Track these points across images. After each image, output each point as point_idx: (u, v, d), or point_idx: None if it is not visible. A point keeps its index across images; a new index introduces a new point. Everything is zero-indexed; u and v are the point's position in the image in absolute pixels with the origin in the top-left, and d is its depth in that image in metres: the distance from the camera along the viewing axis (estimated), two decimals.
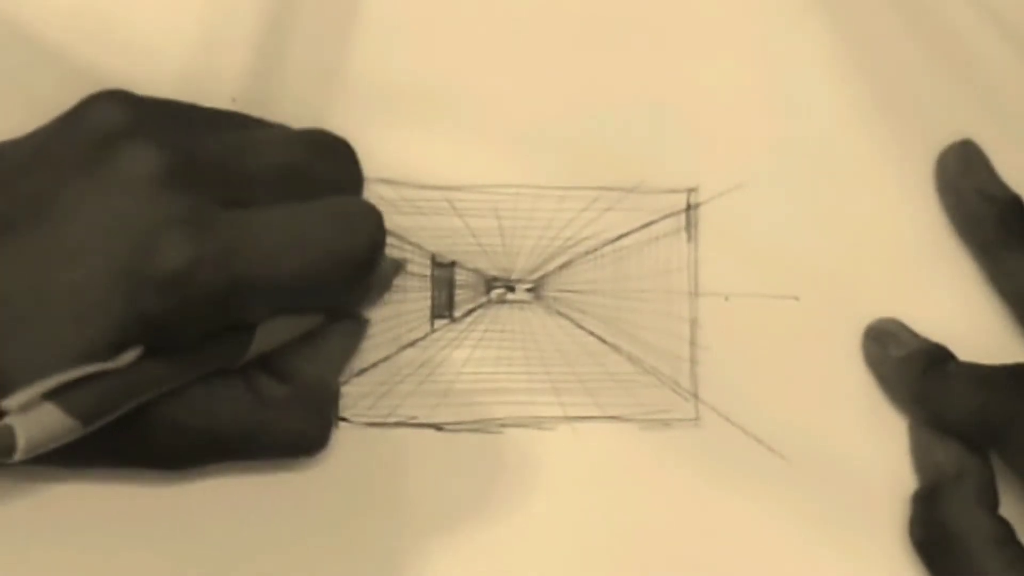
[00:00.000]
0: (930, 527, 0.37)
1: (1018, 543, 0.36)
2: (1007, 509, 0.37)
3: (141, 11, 0.40)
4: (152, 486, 0.36)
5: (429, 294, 0.39)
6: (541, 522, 0.37)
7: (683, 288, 0.40)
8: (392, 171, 0.39)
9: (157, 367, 0.31)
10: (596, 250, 0.40)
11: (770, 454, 0.38)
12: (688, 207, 0.40)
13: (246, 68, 0.40)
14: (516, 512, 0.37)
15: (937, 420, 0.38)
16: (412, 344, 0.39)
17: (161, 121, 0.32)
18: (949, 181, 0.40)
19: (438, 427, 0.38)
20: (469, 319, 0.39)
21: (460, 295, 0.39)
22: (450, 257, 0.39)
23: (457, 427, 0.38)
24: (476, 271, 0.39)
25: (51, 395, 0.30)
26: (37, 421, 0.30)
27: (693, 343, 0.39)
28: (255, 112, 0.37)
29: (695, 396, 0.39)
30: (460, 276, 0.39)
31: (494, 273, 0.39)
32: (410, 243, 0.39)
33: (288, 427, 0.35)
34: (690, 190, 0.40)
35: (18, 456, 0.30)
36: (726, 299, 0.40)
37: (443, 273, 0.39)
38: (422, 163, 0.39)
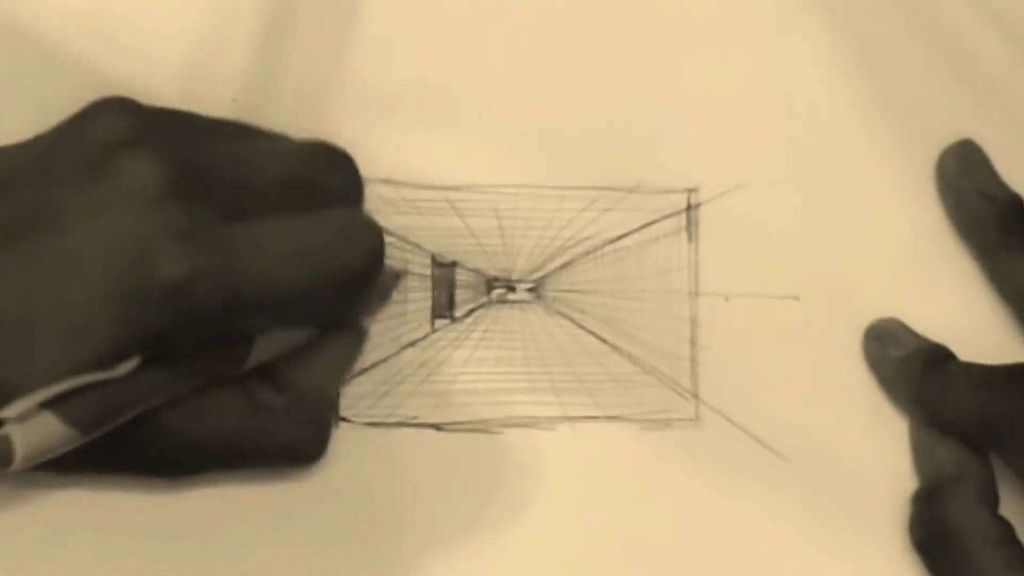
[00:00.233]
0: (930, 527, 0.37)
1: (1018, 543, 0.36)
2: (1007, 509, 0.37)
3: (141, 12, 0.40)
4: (148, 494, 0.36)
5: (429, 294, 0.39)
6: (541, 522, 0.37)
7: (683, 288, 0.40)
8: (392, 171, 0.39)
9: (155, 377, 0.31)
10: (596, 250, 0.40)
11: (770, 454, 0.38)
12: (688, 207, 0.40)
13: (246, 69, 0.40)
14: (516, 512, 0.37)
15: (937, 420, 0.38)
16: (412, 344, 0.39)
17: (163, 131, 0.32)
18: (949, 181, 0.40)
19: (438, 427, 0.38)
20: (469, 319, 0.39)
21: (460, 295, 0.39)
22: (450, 257, 0.39)
23: (457, 427, 0.38)
24: (476, 271, 0.39)
25: (49, 404, 0.30)
26: (35, 430, 0.30)
27: (693, 343, 0.39)
28: (255, 113, 0.37)
29: (695, 396, 0.39)
30: (460, 276, 0.39)
31: (494, 273, 0.39)
32: (410, 243, 0.39)
33: (285, 436, 0.35)
34: (690, 190, 0.40)
35: (16, 465, 0.30)
36: (726, 299, 0.40)
37: (443, 273, 0.39)
38: (422, 163, 0.39)
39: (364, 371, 0.38)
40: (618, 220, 0.40)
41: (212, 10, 0.40)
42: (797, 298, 0.40)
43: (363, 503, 0.37)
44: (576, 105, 0.40)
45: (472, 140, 0.40)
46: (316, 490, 0.37)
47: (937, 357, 0.38)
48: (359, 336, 0.38)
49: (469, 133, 0.40)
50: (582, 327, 0.39)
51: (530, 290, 0.39)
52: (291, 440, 0.35)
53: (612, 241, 0.40)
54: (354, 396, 0.38)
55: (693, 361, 0.39)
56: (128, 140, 0.32)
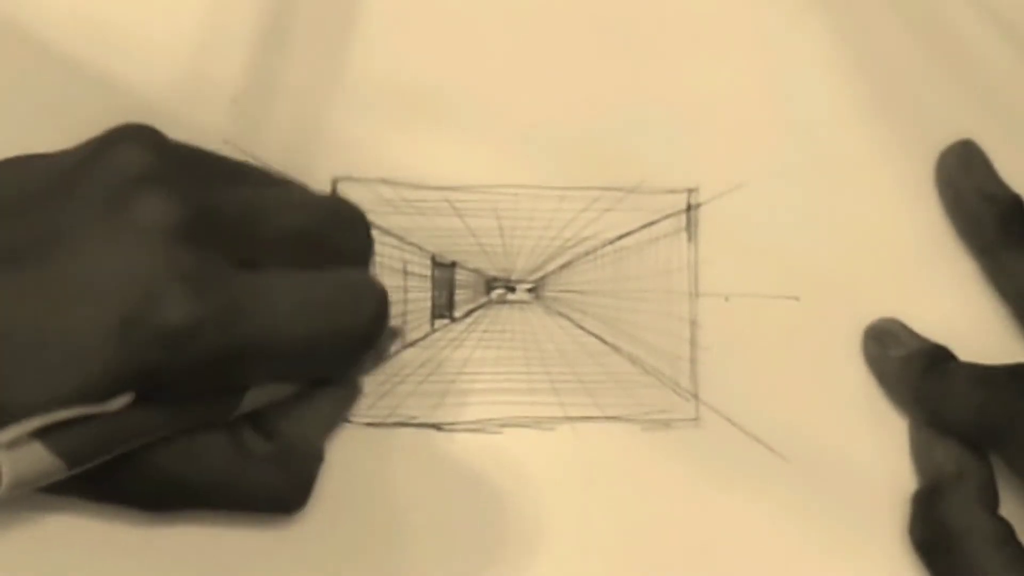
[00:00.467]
0: (930, 527, 0.37)
1: (1018, 543, 0.36)
2: (1007, 509, 0.37)
3: (141, 13, 0.40)
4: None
5: (429, 294, 0.39)
6: (541, 522, 0.37)
7: (683, 288, 0.40)
8: (392, 171, 0.39)
9: (146, 416, 0.31)
10: (596, 250, 0.40)
11: (770, 454, 0.38)
12: (688, 207, 0.40)
13: (246, 69, 0.40)
14: (516, 512, 0.37)
15: (937, 420, 0.38)
16: (412, 344, 0.39)
17: (183, 171, 0.32)
18: (949, 181, 0.40)
19: (438, 427, 0.38)
20: (469, 319, 0.39)
21: (460, 295, 0.39)
22: (450, 257, 0.39)
23: (457, 427, 0.38)
24: (476, 271, 0.39)
25: (40, 434, 0.30)
26: (24, 458, 0.30)
27: (693, 343, 0.39)
28: (255, 113, 0.37)
29: (695, 396, 0.39)
30: (460, 276, 0.39)
31: (494, 273, 0.39)
32: (410, 243, 0.39)
33: (267, 484, 0.35)
34: (690, 190, 0.40)
35: (1, 492, 0.30)
36: (726, 299, 0.40)
37: (443, 273, 0.39)
38: (422, 163, 0.39)
39: (364, 371, 0.38)
40: (618, 220, 0.40)
41: (212, 10, 0.40)
42: (797, 298, 0.40)
43: (363, 503, 0.37)
44: (576, 105, 0.40)
45: (472, 140, 0.40)
46: (316, 491, 0.37)
47: (937, 357, 0.38)
48: (352, 392, 0.38)
49: (469, 133, 0.40)
50: (582, 327, 0.39)
51: (530, 290, 0.39)
52: (274, 488, 0.35)
53: (612, 241, 0.40)
54: None
55: (693, 361, 0.39)
56: (147, 176, 0.31)
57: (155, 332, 0.30)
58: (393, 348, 0.38)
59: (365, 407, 0.38)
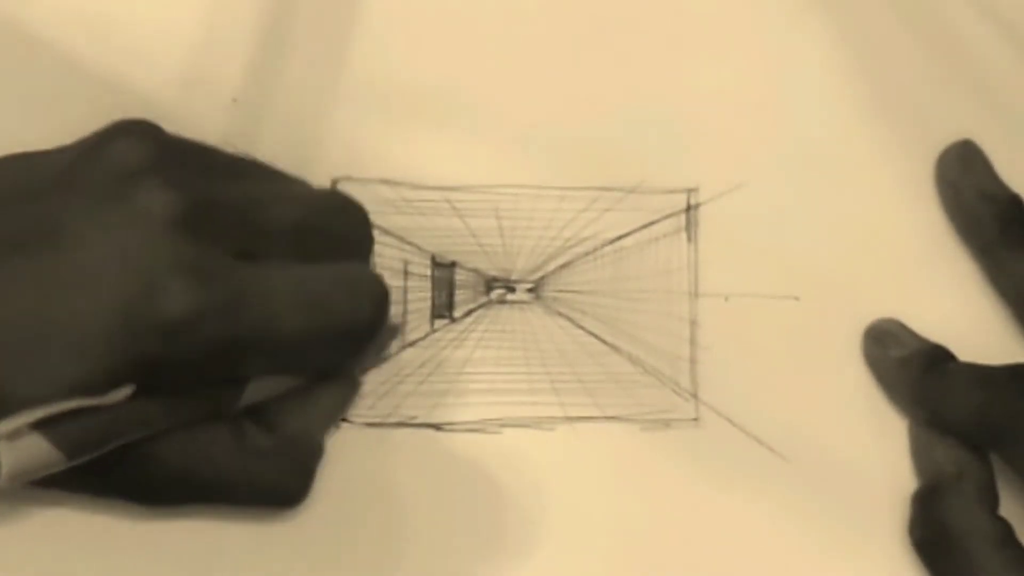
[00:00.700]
0: (930, 527, 0.37)
1: (1018, 543, 0.36)
2: (1007, 509, 0.37)
3: (141, 12, 0.40)
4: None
5: (429, 294, 0.39)
6: (541, 522, 0.37)
7: (683, 288, 0.40)
8: (392, 171, 0.39)
9: (146, 409, 0.31)
10: (596, 250, 0.40)
11: (770, 454, 0.38)
12: (688, 207, 0.40)
13: (246, 68, 0.40)
14: (516, 512, 0.37)
15: (937, 420, 0.38)
16: (412, 344, 0.39)
17: (183, 163, 0.32)
18: (949, 181, 0.40)
19: (438, 427, 0.38)
20: (469, 319, 0.39)
21: (460, 295, 0.39)
22: (450, 257, 0.39)
23: (457, 427, 0.38)
24: (476, 271, 0.39)
25: (39, 425, 0.30)
26: (23, 450, 0.30)
27: (693, 343, 0.39)
28: (255, 113, 0.37)
29: (695, 396, 0.39)
30: (460, 276, 0.39)
31: (494, 273, 0.39)
32: (410, 243, 0.39)
33: (268, 477, 0.35)
34: (690, 190, 0.40)
35: (0, 483, 0.30)
36: (726, 299, 0.40)
37: (443, 273, 0.39)
38: (422, 163, 0.39)
39: (364, 371, 0.38)
40: (618, 220, 0.40)
41: (212, 10, 0.40)
42: (797, 298, 0.40)
43: (363, 503, 0.37)
44: (576, 105, 0.40)
45: (472, 140, 0.40)
46: (316, 490, 0.37)
47: (937, 357, 0.38)
48: (352, 387, 0.37)
49: (469, 133, 0.40)
50: (582, 327, 0.39)
51: (530, 290, 0.39)
52: (274, 481, 0.35)
53: (612, 241, 0.40)
54: None
55: (693, 361, 0.39)
56: (146, 168, 0.32)
57: (155, 324, 0.30)
58: (393, 344, 0.38)
59: (365, 407, 0.38)
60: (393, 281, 0.39)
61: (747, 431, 0.38)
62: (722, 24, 0.41)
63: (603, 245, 0.40)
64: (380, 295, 0.34)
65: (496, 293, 0.39)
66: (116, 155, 0.32)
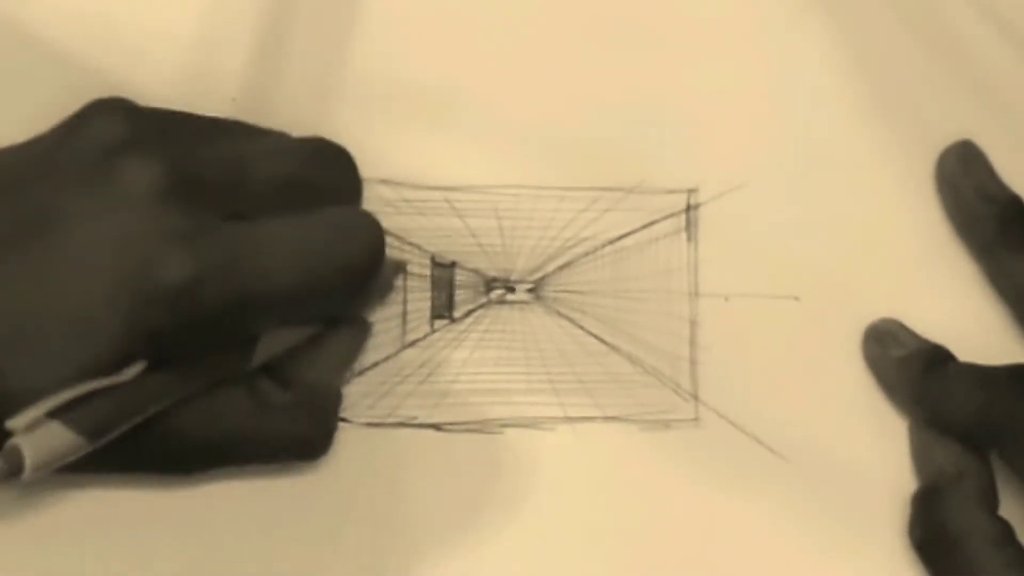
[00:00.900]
0: (930, 527, 0.37)
1: (1018, 543, 0.36)
2: (1007, 509, 0.37)
3: (141, 12, 0.40)
4: (154, 490, 0.36)
5: (429, 294, 0.39)
6: (541, 523, 0.37)
7: (683, 288, 0.40)
8: (392, 171, 0.39)
9: (161, 380, 0.31)
10: (596, 250, 0.40)
11: (770, 454, 0.38)
12: (688, 207, 0.40)
13: (246, 68, 0.40)
14: (516, 512, 0.37)
15: (937, 420, 0.38)
16: (412, 344, 0.39)
17: (161, 133, 0.32)
18: (949, 181, 0.40)
19: (438, 427, 0.38)
20: (469, 319, 0.39)
21: (460, 295, 0.39)
22: (450, 257, 0.39)
23: (457, 427, 0.38)
24: (476, 271, 0.39)
25: (56, 413, 0.30)
26: (43, 440, 0.30)
27: (693, 343, 0.39)
28: (255, 113, 0.37)
29: (695, 396, 0.39)
30: (460, 276, 0.39)
31: (494, 273, 0.39)
32: (410, 243, 0.39)
33: (290, 432, 0.35)
34: (690, 190, 0.40)
35: (26, 476, 0.30)
36: (726, 299, 0.40)
37: (443, 273, 0.39)
38: (422, 163, 0.39)
39: (364, 371, 0.38)
40: (618, 220, 0.40)
41: (212, 10, 0.40)
42: (797, 298, 0.40)
43: (363, 503, 0.37)
44: (576, 105, 0.40)
45: (472, 140, 0.40)
46: (316, 490, 0.37)
47: (937, 357, 0.38)
48: (363, 330, 0.38)
49: (469, 133, 0.40)
50: (582, 327, 0.39)
51: (530, 290, 0.39)
52: (297, 436, 0.36)
53: (612, 241, 0.40)
54: (354, 396, 0.38)
55: (693, 361, 0.39)
56: (126, 143, 0.32)
57: (156, 295, 0.30)
58: (394, 344, 0.38)
59: (365, 407, 0.38)
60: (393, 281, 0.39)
61: (747, 431, 0.38)
62: (722, 24, 0.41)
63: (603, 245, 0.40)
64: (374, 232, 0.34)
65: (496, 293, 0.39)
66: (93, 135, 0.32)
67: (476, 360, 0.39)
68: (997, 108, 0.41)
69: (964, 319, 0.40)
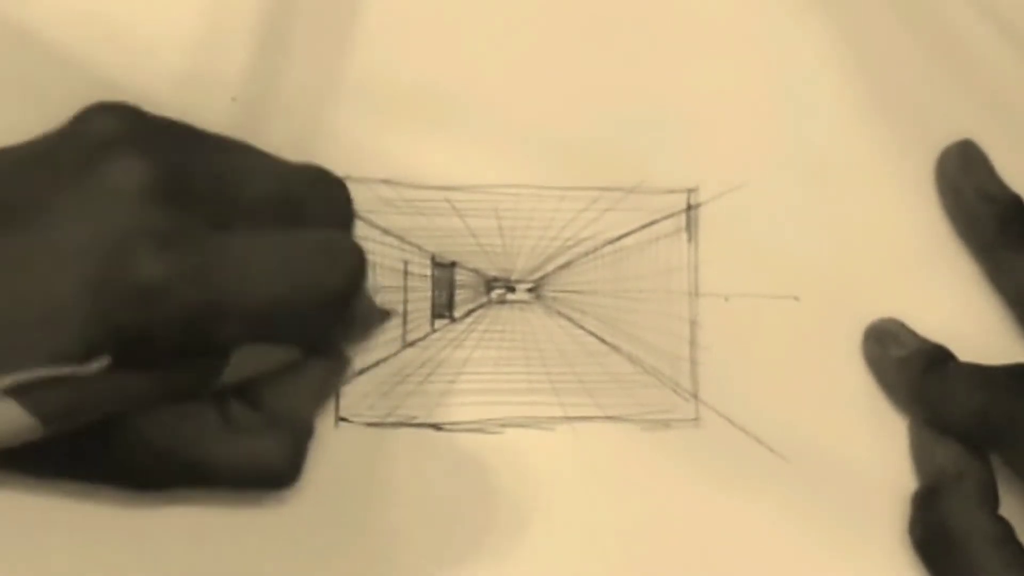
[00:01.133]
0: (930, 527, 0.37)
1: (1018, 543, 0.36)
2: (1007, 509, 0.37)
3: (141, 12, 0.40)
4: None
5: (429, 294, 0.39)
6: (541, 523, 0.37)
7: (683, 288, 0.40)
8: (392, 171, 0.39)
9: (125, 380, 0.31)
10: (596, 250, 0.40)
11: (770, 454, 0.38)
12: (688, 207, 0.40)
13: (246, 69, 0.40)
14: (516, 512, 0.37)
15: (937, 420, 0.38)
16: (412, 344, 0.39)
17: (158, 137, 0.32)
18: (949, 181, 0.40)
19: (438, 427, 0.38)
20: (469, 319, 0.39)
21: (460, 295, 0.39)
22: (450, 257, 0.39)
23: (456, 427, 0.38)
24: (476, 271, 0.39)
25: (14, 392, 0.30)
26: None
27: (693, 343, 0.39)
28: (255, 113, 0.37)
29: (695, 396, 0.39)
30: (460, 276, 0.39)
31: (494, 273, 0.39)
32: (410, 243, 0.39)
33: (256, 457, 0.34)
34: (690, 190, 0.40)
35: None
36: (726, 299, 0.40)
37: (443, 273, 0.39)
38: (422, 163, 0.39)
39: (364, 371, 0.38)
40: (618, 220, 0.40)
41: (212, 10, 0.40)
42: (797, 298, 0.40)
43: (362, 503, 0.37)
44: (576, 105, 0.40)
45: (472, 140, 0.40)
46: (316, 490, 0.37)
47: (937, 357, 0.38)
48: (340, 363, 0.37)
49: (469, 133, 0.40)
50: (582, 327, 0.39)
51: (530, 290, 0.39)
52: (264, 460, 0.34)
53: (612, 241, 0.40)
54: (354, 396, 0.38)
55: (693, 361, 0.39)
56: (120, 140, 0.32)
57: (128, 289, 0.30)
58: (394, 344, 0.38)
59: (365, 407, 0.38)
60: (393, 281, 0.39)
61: (747, 431, 0.38)
62: (722, 24, 0.41)
63: (603, 245, 0.40)
64: (356, 259, 0.34)
65: (496, 293, 0.39)
66: (89, 131, 0.32)
67: (476, 360, 0.39)
68: (997, 108, 0.41)
69: (964, 319, 0.40)
